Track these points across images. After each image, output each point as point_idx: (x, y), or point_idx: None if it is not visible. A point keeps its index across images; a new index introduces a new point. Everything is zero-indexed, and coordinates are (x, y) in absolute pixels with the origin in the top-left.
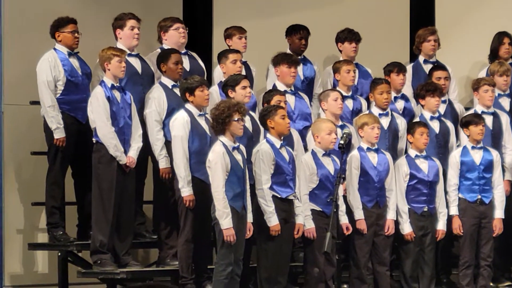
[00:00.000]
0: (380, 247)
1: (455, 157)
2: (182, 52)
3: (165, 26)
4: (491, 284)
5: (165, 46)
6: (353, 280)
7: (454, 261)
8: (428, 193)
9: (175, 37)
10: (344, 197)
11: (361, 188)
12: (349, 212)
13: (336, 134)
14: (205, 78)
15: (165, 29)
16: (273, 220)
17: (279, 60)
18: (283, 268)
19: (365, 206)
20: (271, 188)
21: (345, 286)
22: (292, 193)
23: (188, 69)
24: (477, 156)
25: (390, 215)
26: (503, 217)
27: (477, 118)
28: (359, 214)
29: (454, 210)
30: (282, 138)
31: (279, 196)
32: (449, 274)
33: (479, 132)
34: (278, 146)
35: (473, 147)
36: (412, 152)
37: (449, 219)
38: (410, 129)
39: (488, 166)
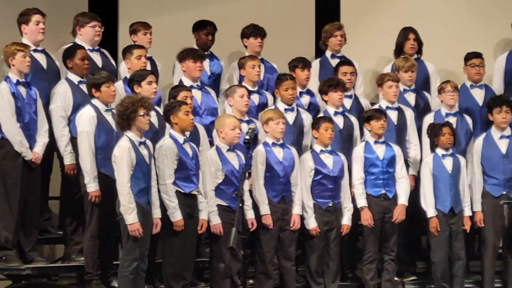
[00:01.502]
0: (286, 242)
1: (358, 151)
2: (95, 49)
3: (82, 21)
4: (396, 278)
5: (78, 40)
6: (259, 275)
7: (359, 256)
8: (333, 188)
9: (90, 34)
10: (250, 192)
11: (266, 183)
12: (255, 207)
13: (241, 129)
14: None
15: (82, 24)
16: (176, 215)
17: (184, 55)
18: (188, 264)
19: (271, 201)
20: (174, 183)
21: (251, 281)
22: (195, 188)
23: (100, 66)
24: (379, 151)
25: (296, 210)
26: (406, 204)
27: (378, 113)
28: (264, 209)
29: (362, 202)
30: (185, 133)
31: (183, 191)
32: (354, 268)
33: (380, 126)
34: (181, 141)
35: (375, 142)
36: (317, 147)
37: (355, 213)
38: (315, 124)
39: (391, 161)
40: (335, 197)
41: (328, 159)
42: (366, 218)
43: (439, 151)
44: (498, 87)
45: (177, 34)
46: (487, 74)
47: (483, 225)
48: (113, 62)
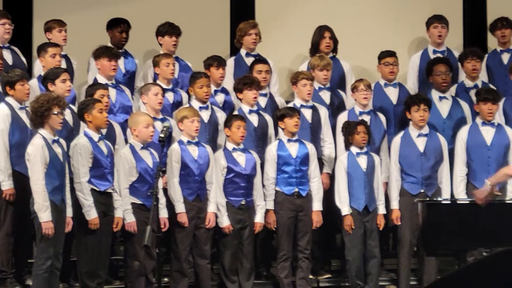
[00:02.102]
0: (201, 240)
1: (271, 150)
2: (5, 46)
3: None
4: (311, 276)
5: None
6: (174, 274)
7: (273, 254)
8: (245, 186)
9: (0, 31)
10: (165, 190)
11: (181, 181)
12: (171, 205)
13: (155, 127)
14: (26, 72)
15: None
16: (91, 214)
17: (99, 53)
18: (103, 262)
19: (186, 199)
20: (89, 181)
21: (166, 279)
22: (110, 186)
23: (10, 63)
24: (293, 149)
25: (211, 208)
26: (321, 209)
27: (291, 111)
28: (180, 207)
29: (270, 205)
30: (100, 131)
31: (98, 190)
32: (269, 266)
33: (294, 124)
34: (96, 139)
35: (289, 140)
36: (230, 146)
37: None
38: (227, 123)
39: (304, 159)
40: (248, 195)
41: (240, 157)
42: (270, 222)
43: (354, 150)
44: (412, 86)
45: (92, 32)
46: (401, 72)
47: (399, 223)
48: (23, 59)
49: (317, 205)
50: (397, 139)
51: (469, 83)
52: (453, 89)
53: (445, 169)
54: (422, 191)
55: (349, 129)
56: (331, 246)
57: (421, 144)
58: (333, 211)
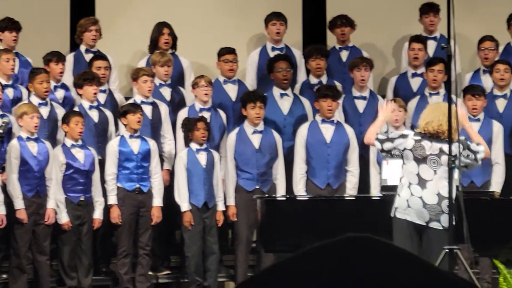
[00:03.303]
0: (41, 236)
1: (112, 146)
2: None
3: None
4: (150, 272)
5: None
6: (13, 270)
7: (113, 250)
8: (84, 182)
9: None
10: (4, 186)
11: (21, 177)
12: (10, 202)
13: None
14: None
15: None
16: None
17: None
18: None
19: (25, 195)
20: None
21: (5, 276)
22: None
23: None
24: (134, 145)
25: (50, 204)
26: (162, 205)
27: (134, 107)
28: (19, 203)
29: (112, 200)
30: None
31: None
32: (109, 263)
33: (137, 121)
34: None
35: (131, 136)
36: (68, 142)
37: (109, 208)
38: (65, 119)
39: (146, 155)
40: (87, 191)
41: (79, 153)
42: (114, 217)
43: (193, 146)
44: (251, 83)
45: None
46: (240, 69)
47: (235, 219)
48: None
49: (157, 201)
50: (232, 136)
51: (313, 80)
52: (298, 86)
53: (279, 166)
54: (258, 187)
55: (189, 125)
56: (170, 242)
57: (256, 140)
58: (172, 207)
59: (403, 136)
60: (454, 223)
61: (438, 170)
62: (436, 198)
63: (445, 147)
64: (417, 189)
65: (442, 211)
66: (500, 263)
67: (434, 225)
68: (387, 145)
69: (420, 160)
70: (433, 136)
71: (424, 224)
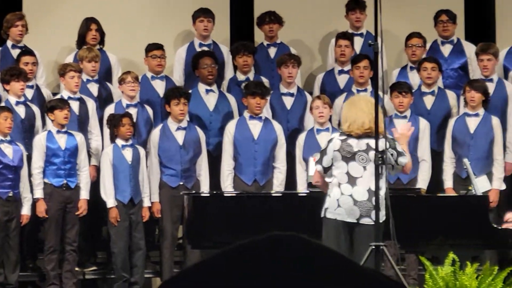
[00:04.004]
0: None
1: (40, 140)
2: None
3: None
4: (77, 268)
5: None
6: None
7: (40, 246)
8: (12, 178)
9: None
10: None
11: None
12: None
13: None
14: None
15: None
16: None
17: None
18: None
19: None
20: None
21: None
22: None
23: None
24: (62, 141)
25: None
26: (88, 198)
27: (61, 103)
28: None
29: (39, 194)
30: None
31: None
32: (35, 259)
33: (64, 116)
34: None
35: (58, 131)
36: None
37: (35, 202)
38: None
39: (73, 151)
40: (15, 187)
41: (8, 149)
42: (41, 211)
43: (119, 142)
44: (178, 79)
45: None
46: (168, 65)
47: (160, 215)
48: None
49: (84, 193)
50: (156, 132)
51: (241, 77)
52: (225, 83)
53: (203, 162)
54: (182, 183)
55: (114, 121)
56: (97, 238)
57: (180, 137)
58: (99, 203)
59: (330, 141)
60: (382, 219)
61: (368, 166)
62: (367, 194)
63: (372, 142)
64: (347, 188)
65: (373, 206)
66: (426, 260)
67: (365, 221)
68: (326, 160)
69: (349, 158)
70: (360, 134)
71: (355, 221)
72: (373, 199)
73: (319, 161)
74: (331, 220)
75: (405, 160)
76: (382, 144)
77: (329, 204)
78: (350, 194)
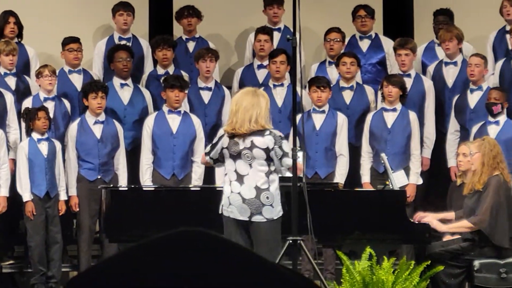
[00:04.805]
0: None
1: None
2: None
3: None
4: None
5: None
6: None
7: None
8: None
9: None
10: None
11: None
12: None
13: None
14: None
15: None
16: None
17: None
18: None
19: None
20: None
21: None
22: None
23: None
24: None
25: None
26: (8, 195)
27: None
28: None
29: None
30: None
31: None
32: None
33: None
34: None
35: None
36: None
37: None
38: None
39: None
40: None
41: None
42: None
43: (35, 136)
44: (97, 72)
45: None
46: (88, 58)
47: (77, 209)
48: None
49: (3, 191)
50: (73, 126)
51: (160, 71)
52: (144, 77)
53: (121, 156)
54: (99, 177)
55: (30, 115)
56: (14, 232)
57: (97, 131)
58: (16, 197)
59: (221, 137)
60: (277, 216)
61: (253, 163)
62: (254, 192)
63: (257, 140)
64: (236, 186)
65: (262, 203)
66: (343, 254)
67: (256, 218)
68: (214, 154)
69: (235, 156)
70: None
71: (247, 219)
72: (261, 196)
73: (208, 153)
74: (226, 218)
75: (289, 162)
76: (266, 141)
77: (223, 201)
78: (238, 192)
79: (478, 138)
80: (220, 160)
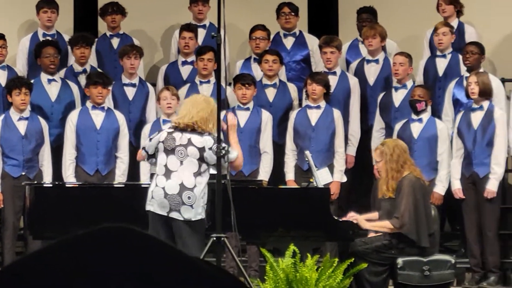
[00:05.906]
0: None
1: None
2: None
3: None
4: None
5: None
6: None
7: None
8: None
9: None
10: None
11: None
12: None
13: None
14: None
15: None
16: None
17: None
18: None
19: None
20: None
21: None
22: None
23: None
24: None
25: None
26: None
27: None
28: None
29: None
30: None
31: None
32: None
33: None
34: None
35: None
36: None
37: None
38: None
39: None
40: None
41: None
42: None
43: None
44: (21, 69)
45: None
46: (12, 54)
47: (1, 205)
48: None
49: None
50: None
51: (78, 68)
52: (62, 73)
53: (46, 152)
54: (24, 173)
55: None
56: None
57: (22, 127)
58: None
59: (159, 131)
60: (196, 217)
61: (185, 161)
62: (178, 188)
63: (194, 138)
64: (161, 180)
65: (183, 202)
66: (267, 252)
67: (174, 215)
68: (150, 148)
69: (169, 151)
70: (186, 128)
71: (166, 214)
72: (183, 194)
73: (144, 147)
74: (149, 212)
75: (233, 155)
76: (204, 140)
77: (148, 195)
78: (163, 186)
79: (380, 145)
80: (155, 155)
